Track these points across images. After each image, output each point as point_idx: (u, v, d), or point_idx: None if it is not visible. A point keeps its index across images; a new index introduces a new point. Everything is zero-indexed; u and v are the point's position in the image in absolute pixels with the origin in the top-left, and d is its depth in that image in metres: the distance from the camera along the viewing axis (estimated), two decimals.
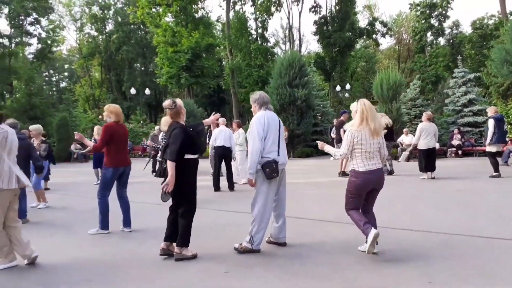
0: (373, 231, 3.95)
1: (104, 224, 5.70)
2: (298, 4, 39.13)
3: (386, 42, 52.36)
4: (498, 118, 10.10)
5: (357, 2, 41.32)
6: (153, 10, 30.21)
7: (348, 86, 31.99)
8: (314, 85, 22.94)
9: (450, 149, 17.11)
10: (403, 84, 18.21)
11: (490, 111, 10.43)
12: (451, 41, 42.06)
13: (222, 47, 35.95)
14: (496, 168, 9.99)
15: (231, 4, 35.17)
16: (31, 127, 8.97)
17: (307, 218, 6.15)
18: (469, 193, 8.07)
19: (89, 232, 5.68)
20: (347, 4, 37.66)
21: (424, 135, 10.07)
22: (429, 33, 41.08)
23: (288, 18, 40.31)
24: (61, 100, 48.80)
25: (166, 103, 4.48)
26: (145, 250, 4.75)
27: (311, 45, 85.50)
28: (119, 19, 51.46)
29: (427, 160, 10.16)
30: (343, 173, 11.22)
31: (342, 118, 11.75)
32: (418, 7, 40.53)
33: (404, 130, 16.38)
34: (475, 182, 9.56)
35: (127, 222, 5.83)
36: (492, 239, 4.68)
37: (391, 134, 11.91)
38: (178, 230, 4.32)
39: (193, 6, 29.53)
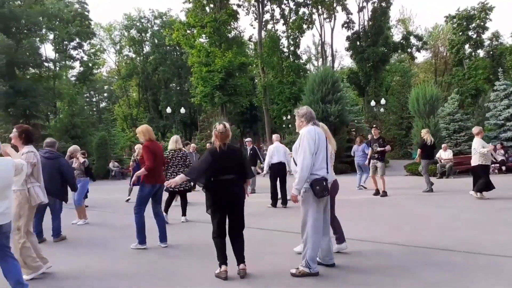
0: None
1: (141, 239, 5.81)
2: (330, 21, 39.22)
3: (422, 56, 51.29)
4: None
5: (391, 16, 40.91)
6: (188, 31, 31.14)
7: (383, 101, 31.42)
8: (348, 100, 22.69)
9: (493, 165, 16.32)
10: (440, 98, 17.67)
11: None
12: (491, 52, 40.62)
13: (254, 66, 36.42)
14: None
15: (263, 23, 35.67)
16: (70, 149, 9.35)
17: (355, 238, 5.95)
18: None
19: (131, 246, 5.79)
20: (380, 19, 37.34)
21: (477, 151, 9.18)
22: (467, 46, 39.93)
23: (320, 35, 40.39)
24: (101, 120, 50.85)
25: (220, 127, 4.43)
26: (185, 266, 4.78)
27: (344, 61, 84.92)
28: (156, 41, 53.38)
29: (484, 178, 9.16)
30: (383, 192, 10.80)
31: (375, 131, 11.49)
32: (454, 20, 39.59)
33: (443, 145, 15.82)
34: None
35: (163, 238, 5.93)
36: None
37: (431, 153, 11.58)
38: (237, 248, 4.40)
39: (226, 27, 30.19)
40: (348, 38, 39.25)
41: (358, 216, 7.86)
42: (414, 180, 14.67)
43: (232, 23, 31.99)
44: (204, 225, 7.39)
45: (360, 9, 38.92)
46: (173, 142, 8.16)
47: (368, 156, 11.50)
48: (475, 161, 9.27)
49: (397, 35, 44.87)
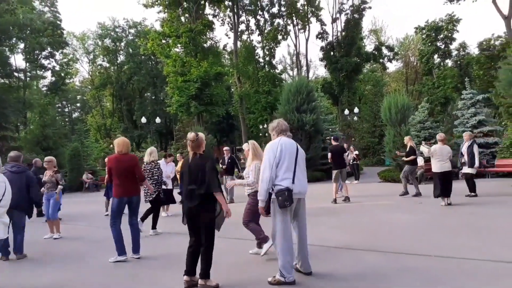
0: (269, 241, 5.27)
1: (119, 250, 5.78)
2: (304, 32, 39.90)
3: (393, 65, 52.76)
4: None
5: (363, 27, 42.01)
6: (163, 41, 31.05)
7: (356, 110, 32.11)
8: (322, 109, 23.10)
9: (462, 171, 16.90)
10: (411, 107, 18.21)
11: (467, 136, 10.84)
12: (459, 62, 42.19)
13: (230, 75, 36.60)
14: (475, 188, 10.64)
15: (238, 34, 35.97)
16: (46, 159, 9.14)
17: (322, 245, 6.08)
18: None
19: (110, 260, 5.74)
20: (353, 30, 38.27)
21: (438, 157, 9.52)
22: (435, 56, 41.34)
23: (295, 45, 41.06)
24: (73, 131, 49.75)
25: (190, 136, 4.50)
26: (166, 277, 4.77)
27: (319, 70, 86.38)
28: (130, 50, 52.84)
29: (443, 184, 9.50)
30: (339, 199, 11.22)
31: (336, 143, 11.73)
32: (424, 31, 40.97)
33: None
34: (492, 206, 9.43)
35: (135, 249, 5.93)
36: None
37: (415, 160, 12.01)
38: (201, 262, 4.30)
39: (202, 37, 30.28)
40: (322, 48, 40.03)
41: (332, 223, 8.01)
42: (387, 187, 15.03)
43: (207, 33, 32.10)
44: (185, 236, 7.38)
45: (334, 20, 39.82)
46: (148, 154, 8.26)
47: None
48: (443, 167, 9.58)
49: (369, 46, 46.13)
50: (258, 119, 34.44)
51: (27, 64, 42.23)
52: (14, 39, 34.29)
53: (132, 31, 54.45)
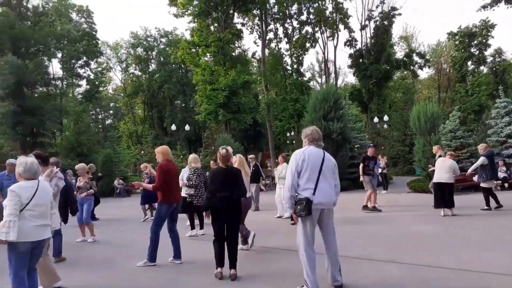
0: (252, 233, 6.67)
1: (152, 257, 5.96)
2: (333, 39, 39.71)
3: (425, 72, 51.59)
4: (490, 155, 10.42)
5: (393, 34, 41.43)
6: (193, 50, 31.71)
7: (386, 117, 31.58)
8: (350, 117, 22.88)
9: (496, 182, 16.32)
10: (441, 115, 17.78)
11: (483, 148, 10.70)
12: (494, 69, 40.83)
13: (258, 83, 36.87)
14: (489, 202, 10.25)
15: (266, 42, 36.25)
16: (76, 167, 9.52)
17: (344, 255, 6.04)
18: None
19: (138, 264, 5.92)
20: (383, 37, 37.79)
21: (437, 169, 9.81)
22: (469, 62, 40.19)
23: (324, 53, 40.92)
24: (106, 137, 51.39)
25: (222, 151, 5.42)
26: (203, 281, 4.91)
27: (348, 77, 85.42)
28: (162, 59, 54.19)
29: (441, 195, 9.68)
30: (371, 207, 11.09)
31: (371, 150, 11.61)
32: (457, 37, 39.97)
33: None
34: None
35: (177, 255, 6.10)
36: None
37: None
38: (229, 255, 5.19)
39: (230, 46, 30.73)
40: (350, 55, 39.72)
41: (355, 233, 7.96)
42: (416, 197, 14.72)
43: (236, 42, 32.56)
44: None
45: (363, 27, 39.45)
46: (191, 161, 8.76)
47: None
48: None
49: (399, 52, 45.36)
50: (285, 126, 34.47)
51: (64, 73, 44.15)
52: (52, 49, 35.90)
53: (164, 40, 55.88)
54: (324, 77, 46.73)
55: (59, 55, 42.01)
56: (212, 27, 32.32)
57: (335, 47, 39.62)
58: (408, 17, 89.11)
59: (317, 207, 4.32)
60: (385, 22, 38.06)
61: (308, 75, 45.47)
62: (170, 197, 5.97)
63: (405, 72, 46.97)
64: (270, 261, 6.03)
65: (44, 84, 27.02)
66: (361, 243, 7.03)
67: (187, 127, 31.02)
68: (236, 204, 5.29)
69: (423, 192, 15.66)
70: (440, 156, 11.35)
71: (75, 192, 9.03)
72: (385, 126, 34.16)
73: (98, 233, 9.21)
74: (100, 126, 62.31)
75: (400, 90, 42.50)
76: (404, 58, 41.31)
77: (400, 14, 38.39)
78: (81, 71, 45.84)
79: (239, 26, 35.05)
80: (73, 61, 43.96)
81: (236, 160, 6.92)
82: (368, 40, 39.39)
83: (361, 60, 39.09)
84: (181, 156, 29.82)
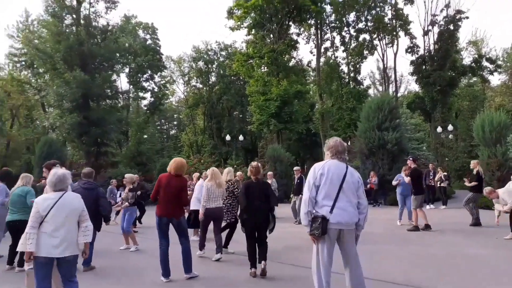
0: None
1: (163, 271, 5.87)
2: (392, 46, 38.18)
3: (498, 79, 47.70)
4: None
5: (460, 38, 38.94)
6: (248, 62, 32.11)
7: (450, 127, 29.55)
8: (408, 127, 21.73)
9: None
10: (509, 125, 16.21)
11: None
12: None
13: (313, 93, 36.39)
14: None
15: (322, 51, 35.76)
16: (126, 176, 9.85)
17: (378, 279, 5.55)
18: None
19: (161, 278, 5.86)
20: (448, 42, 35.64)
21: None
22: None
23: (383, 60, 39.43)
24: (169, 147, 53.61)
25: (254, 164, 6.36)
26: None
27: (411, 85, 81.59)
28: (221, 71, 55.56)
29: None
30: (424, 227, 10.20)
31: (415, 165, 10.76)
32: None
33: None
34: None
35: (187, 269, 5.97)
36: None
37: (479, 186, 10.82)
38: (260, 254, 5.91)
39: (284, 56, 30.74)
40: (412, 62, 37.84)
41: (396, 254, 7.37)
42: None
43: (291, 52, 32.50)
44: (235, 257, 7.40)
45: (425, 33, 37.48)
46: (225, 174, 8.40)
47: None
48: None
49: (468, 58, 42.47)
50: (340, 136, 33.46)
51: (131, 86, 46.90)
52: (120, 64, 38.31)
53: (223, 53, 57.34)
54: (385, 85, 44.96)
55: (127, 70, 44.77)
56: (268, 39, 32.59)
57: (395, 54, 38.06)
58: (478, 20, 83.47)
59: (335, 227, 3.95)
60: (450, 27, 35.87)
61: (367, 83, 44.12)
62: (160, 210, 5.87)
63: (474, 79, 43.85)
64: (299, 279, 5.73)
65: (108, 97, 28.73)
66: (400, 265, 6.50)
67: (241, 138, 31.35)
68: (265, 212, 5.97)
69: (487, 208, 14.28)
70: (478, 172, 10.55)
71: (117, 201, 9.37)
72: (450, 136, 31.99)
73: (142, 242, 9.36)
74: (165, 136, 64.98)
75: (467, 98, 39.64)
76: (472, 64, 38.57)
77: (467, 18, 35.98)
78: (145, 84, 48.39)
79: (294, 37, 35.00)
80: (139, 75, 46.60)
81: (209, 173, 7.52)
82: (432, 46, 37.31)
83: (424, 67, 37.12)
84: (235, 166, 30.15)
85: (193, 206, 8.94)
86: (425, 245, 8.24)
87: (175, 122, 70.55)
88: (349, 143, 33.91)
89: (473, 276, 5.67)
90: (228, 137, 31.38)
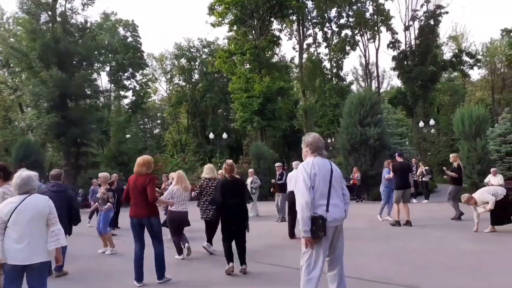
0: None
1: (136, 275, 5.63)
2: (374, 42, 38.36)
3: (477, 73, 48.45)
4: None
5: (441, 33, 39.32)
6: (230, 59, 31.81)
7: (432, 122, 29.82)
8: (390, 122, 21.80)
9: None
10: (489, 118, 16.35)
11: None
12: None
13: (295, 89, 36.31)
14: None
15: (305, 47, 35.70)
16: (99, 175, 9.53)
17: (358, 277, 5.39)
18: None
19: (134, 283, 5.60)
20: (428, 38, 35.98)
21: None
22: None
23: (365, 56, 39.58)
24: (146, 147, 52.92)
25: (229, 161, 6.53)
26: None
27: (394, 81, 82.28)
28: (204, 69, 55.06)
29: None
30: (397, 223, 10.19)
31: (400, 159, 10.70)
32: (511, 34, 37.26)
33: (492, 169, 14.48)
34: None
35: (159, 275, 5.72)
36: None
37: (459, 178, 10.94)
38: (239, 252, 5.98)
39: (267, 52, 30.51)
40: (394, 58, 38.12)
41: (377, 250, 7.27)
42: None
43: (273, 48, 32.30)
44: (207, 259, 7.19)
45: (406, 28, 37.77)
46: (209, 171, 8.04)
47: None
48: None
49: (449, 53, 43.00)
50: (324, 133, 33.51)
51: (112, 85, 46.16)
52: (100, 62, 37.53)
53: (206, 50, 56.80)
54: (369, 80, 45.18)
55: (107, 68, 43.99)
56: (250, 35, 32.34)
57: (377, 50, 38.30)
58: (457, 16, 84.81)
59: (332, 224, 3.77)
60: (431, 22, 36.22)
61: (350, 79, 44.29)
62: (131, 211, 5.72)
63: (455, 74, 44.44)
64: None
65: (87, 97, 28.07)
66: (381, 262, 6.37)
67: (224, 135, 31.09)
68: (243, 209, 6.21)
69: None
70: (459, 165, 10.63)
71: (93, 202, 9.06)
72: (432, 130, 32.33)
73: (119, 245, 9.02)
74: (148, 135, 64.18)
75: (448, 93, 40.15)
76: (453, 59, 39.06)
77: (447, 13, 36.40)
78: (127, 82, 47.70)
79: (277, 33, 34.79)
80: (120, 73, 45.87)
81: (175, 177, 7.69)
82: (413, 41, 37.65)
83: (405, 62, 37.43)
84: (219, 165, 29.88)
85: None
86: (406, 240, 8.16)
87: (158, 121, 69.81)
88: (332, 140, 34.04)
89: (452, 271, 5.59)
90: (211, 135, 31.07)
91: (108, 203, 8.77)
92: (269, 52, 31.60)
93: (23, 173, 4.03)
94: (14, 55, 25.59)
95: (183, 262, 7.04)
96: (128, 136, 44.00)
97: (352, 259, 6.48)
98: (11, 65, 28.39)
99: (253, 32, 31.33)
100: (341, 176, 4.05)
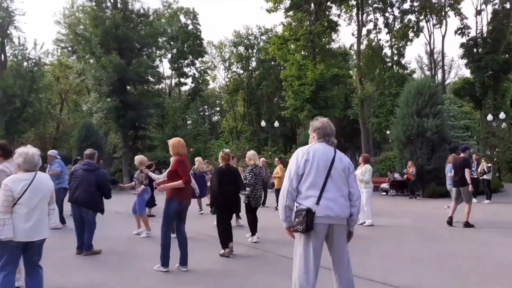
0: None
1: (163, 261, 5.52)
2: (440, 27, 35.67)
3: None
4: None
5: None
6: (284, 45, 31.23)
7: (502, 115, 27.25)
8: (451, 114, 20.18)
9: None
10: None
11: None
12: None
13: (351, 77, 34.89)
14: None
15: (365, 33, 34.08)
16: (135, 158, 9.69)
17: (385, 283, 4.93)
18: None
19: (155, 267, 5.55)
20: (502, 23, 32.78)
21: None
22: None
23: (429, 43, 37.02)
24: (212, 132, 54.14)
25: (226, 150, 6.94)
26: None
27: (462, 70, 76.33)
28: (261, 56, 54.90)
29: None
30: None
31: (463, 154, 9.70)
32: None
33: None
34: None
35: (183, 261, 5.59)
36: None
37: None
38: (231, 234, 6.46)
39: (322, 38, 29.56)
40: (462, 45, 35.22)
41: (413, 252, 6.64)
42: None
43: (329, 34, 31.22)
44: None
45: (478, 13, 34.67)
46: (250, 157, 7.95)
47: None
48: None
49: None
50: (382, 123, 31.88)
51: (173, 72, 47.57)
52: (163, 50, 38.76)
53: (264, 37, 56.51)
54: (433, 69, 42.32)
55: (169, 55, 45.39)
56: (306, 21, 31.47)
57: (443, 36, 35.66)
58: None
59: (323, 221, 3.30)
60: (506, 5, 32.91)
61: (412, 67, 41.75)
62: (183, 194, 5.51)
63: None
64: None
65: (145, 82, 29.06)
66: (414, 267, 5.78)
67: (276, 124, 30.77)
68: (237, 195, 6.84)
69: None
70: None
71: (134, 183, 9.24)
72: (503, 125, 29.59)
73: (155, 227, 9.08)
74: (207, 122, 65.57)
75: None
76: None
77: None
78: (186, 69, 48.88)
79: (335, 18, 33.56)
80: (180, 60, 47.10)
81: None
82: (484, 27, 34.53)
83: (475, 50, 34.48)
84: (269, 153, 29.74)
85: None
86: (453, 243, 7.41)
87: (217, 108, 71.15)
88: (391, 132, 32.36)
89: (494, 283, 4.89)
90: (263, 123, 30.89)
91: (142, 186, 8.88)
92: (325, 38, 30.56)
93: (30, 150, 4.02)
94: (79, 41, 27.08)
95: (201, 249, 6.91)
96: (189, 122, 45.42)
97: (382, 261, 5.99)
98: (77, 51, 30.05)
99: (309, 17, 30.43)
100: (350, 170, 3.53)
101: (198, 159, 11.49)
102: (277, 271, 5.47)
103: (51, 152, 9.90)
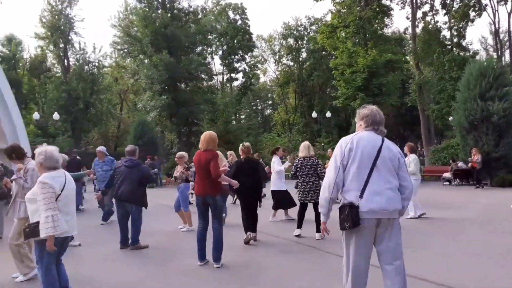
0: None
1: (198, 255, 5.54)
2: (505, 4, 32.57)
3: None
4: None
5: None
6: (333, 33, 30.25)
7: None
8: None
9: None
10: None
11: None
12: None
13: (410, 62, 32.97)
14: None
15: (420, 16, 32.02)
16: (177, 155, 9.64)
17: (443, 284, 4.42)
18: None
19: (198, 263, 5.55)
20: None
21: None
22: None
23: (494, 22, 34.01)
24: (264, 126, 54.22)
25: (246, 144, 7.26)
26: None
27: None
28: (311, 47, 53.88)
29: None
30: None
31: None
32: None
33: None
34: None
35: (216, 257, 5.49)
36: None
37: None
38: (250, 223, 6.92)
39: (373, 24, 28.24)
40: None
41: (469, 249, 5.98)
42: None
43: (381, 18, 29.74)
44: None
45: None
46: (304, 149, 7.60)
47: None
48: None
49: None
50: (443, 110, 29.82)
51: (224, 68, 48.18)
52: (213, 47, 39.17)
53: (314, 27, 55.35)
54: (499, 50, 39.03)
55: (220, 52, 45.94)
56: (358, 7, 30.25)
57: (509, 14, 32.55)
58: None
59: (368, 216, 3.01)
60: None
61: (477, 48, 38.74)
62: (196, 188, 5.66)
63: None
64: None
65: (195, 78, 29.54)
66: (475, 264, 5.19)
67: (328, 114, 29.96)
68: (257, 187, 6.99)
69: None
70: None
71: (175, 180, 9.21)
72: None
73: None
74: (260, 116, 65.74)
75: None
76: None
77: None
78: (237, 65, 49.23)
79: (387, 2, 31.88)
80: (231, 56, 47.58)
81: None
82: None
83: None
84: (322, 144, 29.06)
85: (273, 186, 9.20)
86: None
87: (269, 102, 71.13)
88: (450, 118, 30.23)
89: None
90: (314, 114, 30.29)
91: (190, 182, 8.81)
92: (377, 24, 29.14)
93: (47, 148, 4.03)
94: (131, 42, 28.12)
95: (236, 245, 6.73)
96: (242, 116, 45.86)
97: (437, 258, 5.45)
98: (130, 52, 31.24)
99: (358, 2, 29.17)
100: (401, 161, 3.20)
101: (230, 153, 11.38)
102: (322, 269, 5.16)
103: (101, 148, 10.17)
